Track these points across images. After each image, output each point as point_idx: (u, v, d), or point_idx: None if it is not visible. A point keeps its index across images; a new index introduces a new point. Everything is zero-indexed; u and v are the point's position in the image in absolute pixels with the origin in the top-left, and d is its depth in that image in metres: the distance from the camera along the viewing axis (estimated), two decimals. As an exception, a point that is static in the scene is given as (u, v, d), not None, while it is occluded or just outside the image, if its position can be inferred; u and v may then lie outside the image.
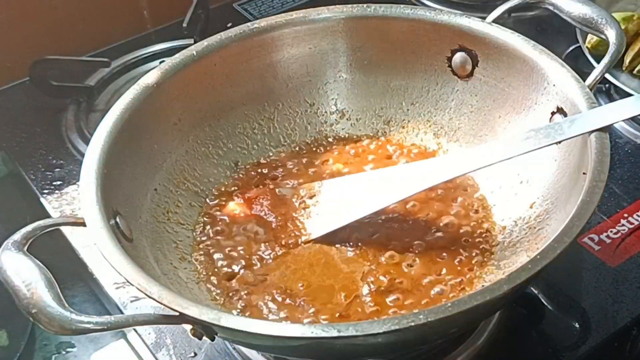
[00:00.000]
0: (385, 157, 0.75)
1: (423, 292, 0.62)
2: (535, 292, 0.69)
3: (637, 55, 0.87)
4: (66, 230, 0.75)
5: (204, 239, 0.68)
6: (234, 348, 0.66)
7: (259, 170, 0.74)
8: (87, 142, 0.72)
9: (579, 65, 0.85)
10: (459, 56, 0.73)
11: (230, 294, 0.63)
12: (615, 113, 0.62)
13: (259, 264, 0.65)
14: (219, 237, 0.68)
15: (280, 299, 0.62)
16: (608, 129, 0.60)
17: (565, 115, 0.65)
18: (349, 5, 0.75)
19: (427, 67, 0.75)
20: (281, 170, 0.74)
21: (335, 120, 0.78)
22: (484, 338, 0.65)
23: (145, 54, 0.99)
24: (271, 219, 0.69)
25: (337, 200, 0.69)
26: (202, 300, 0.62)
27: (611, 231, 0.73)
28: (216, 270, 0.66)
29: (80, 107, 0.92)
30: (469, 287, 0.62)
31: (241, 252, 0.67)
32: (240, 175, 0.74)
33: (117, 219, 0.60)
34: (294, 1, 1.07)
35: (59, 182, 0.83)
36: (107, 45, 1.01)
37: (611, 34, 0.68)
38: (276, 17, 0.75)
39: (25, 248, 0.53)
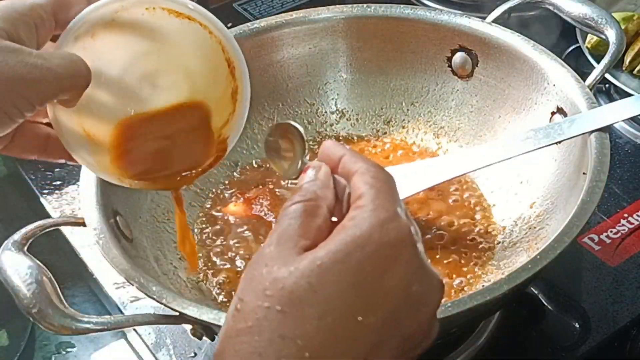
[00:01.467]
0: (385, 157, 0.75)
1: (423, 292, 0.62)
2: (535, 292, 0.69)
3: (637, 55, 0.87)
4: (66, 230, 0.75)
5: (203, 238, 0.68)
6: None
7: (259, 171, 0.74)
8: (87, 142, 0.71)
9: (579, 65, 0.85)
10: (459, 56, 0.73)
11: (231, 294, 0.63)
12: (615, 113, 0.62)
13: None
14: (219, 237, 0.68)
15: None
16: (608, 129, 0.60)
17: (565, 115, 0.65)
18: (349, 5, 0.75)
19: (427, 67, 0.75)
20: (281, 170, 0.74)
21: (335, 120, 0.78)
22: (484, 338, 0.65)
23: (145, 54, 0.98)
24: (271, 219, 0.69)
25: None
26: (202, 300, 0.62)
27: (611, 231, 0.73)
28: (216, 270, 0.66)
29: (80, 107, 0.92)
30: (469, 287, 0.62)
31: (241, 252, 0.67)
32: (240, 175, 0.74)
33: (117, 219, 0.60)
34: (294, 1, 1.07)
35: (59, 182, 0.83)
36: (107, 45, 1.00)
37: (611, 34, 0.68)
38: (276, 17, 0.75)
39: (25, 248, 0.53)
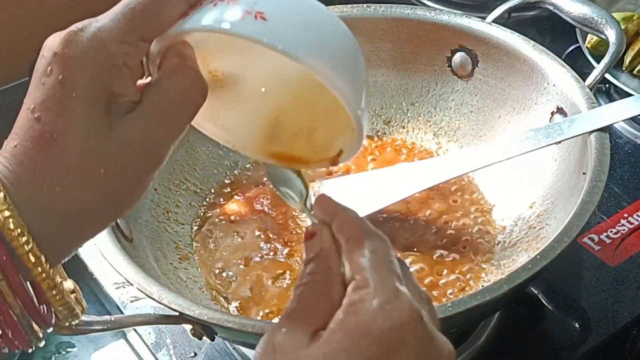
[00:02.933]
0: (385, 157, 0.75)
1: (423, 292, 0.62)
2: (535, 292, 0.69)
3: (637, 55, 0.87)
4: (66, 230, 0.75)
5: (204, 238, 0.68)
6: (234, 348, 0.66)
7: (259, 170, 0.74)
8: (87, 142, 0.71)
9: (579, 65, 0.85)
10: (459, 56, 0.73)
11: (230, 294, 0.63)
12: (615, 113, 0.62)
13: (258, 263, 0.65)
14: (219, 237, 0.68)
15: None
16: (608, 129, 0.60)
17: (565, 115, 0.65)
18: (349, 5, 0.75)
19: (427, 67, 0.75)
20: (281, 170, 0.74)
21: (335, 120, 0.78)
22: (484, 338, 0.65)
23: (145, 53, 0.98)
24: (271, 218, 0.69)
25: (337, 199, 0.69)
26: (202, 300, 0.62)
27: (611, 231, 0.73)
28: (216, 269, 0.65)
29: (80, 107, 0.91)
30: (469, 287, 0.62)
31: (242, 251, 0.67)
32: (241, 175, 0.74)
33: (117, 219, 0.60)
34: (294, 1, 1.07)
35: (59, 182, 0.83)
36: (107, 45, 1.00)
37: (611, 34, 0.68)
38: (276, 17, 0.74)
39: (26, 248, 0.53)
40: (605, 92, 0.89)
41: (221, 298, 0.63)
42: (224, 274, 0.65)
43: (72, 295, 0.42)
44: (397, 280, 0.37)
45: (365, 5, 0.75)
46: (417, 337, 0.35)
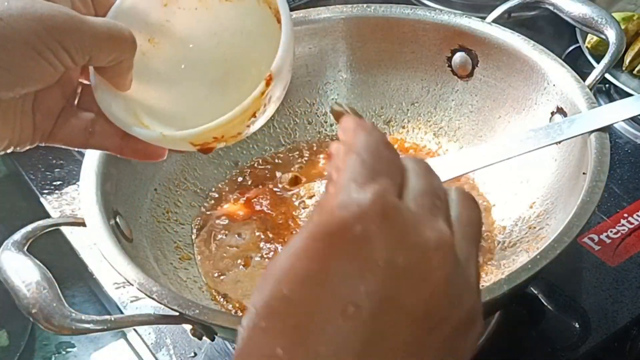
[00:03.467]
0: (385, 157, 0.75)
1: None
2: (535, 292, 0.69)
3: (637, 55, 0.87)
4: (66, 230, 0.75)
5: (203, 238, 0.68)
6: (234, 348, 0.66)
7: (259, 170, 0.74)
8: (87, 142, 0.71)
9: (579, 65, 0.85)
10: (459, 56, 0.73)
11: (231, 294, 0.63)
12: (615, 113, 0.62)
13: (258, 264, 0.65)
14: (219, 237, 0.68)
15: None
16: (608, 129, 0.60)
17: (565, 115, 0.65)
18: (349, 5, 0.75)
19: (427, 67, 0.75)
20: (281, 170, 0.74)
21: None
22: (484, 338, 0.65)
23: (145, 54, 0.98)
24: (271, 218, 0.69)
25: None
26: (202, 300, 0.62)
27: (611, 231, 0.73)
28: (216, 269, 0.66)
29: (80, 107, 0.91)
30: (469, 287, 0.62)
31: (241, 251, 0.67)
32: (240, 175, 0.74)
33: (117, 219, 0.60)
34: (294, 1, 1.07)
35: (59, 182, 0.83)
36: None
37: (611, 34, 0.68)
38: (276, 17, 0.74)
39: (25, 248, 0.53)
40: (605, 92, 0.89)
41: (221, 298, 0.63)
42: (224, 274, 0.65)
43: None
44: (369, 177, 0.32)
45: (365, 5, 0.75)
46: (384, 229, 0.30)
